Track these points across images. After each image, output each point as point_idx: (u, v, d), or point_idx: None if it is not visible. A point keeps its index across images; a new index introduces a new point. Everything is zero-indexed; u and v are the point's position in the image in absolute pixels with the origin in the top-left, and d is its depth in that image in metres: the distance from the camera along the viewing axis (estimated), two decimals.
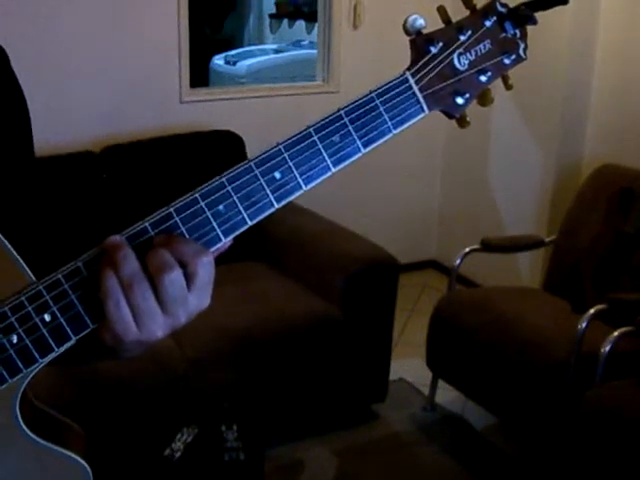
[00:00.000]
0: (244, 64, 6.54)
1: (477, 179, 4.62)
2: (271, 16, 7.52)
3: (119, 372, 2.85)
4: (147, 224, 0.90)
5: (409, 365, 3.79)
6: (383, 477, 3.14)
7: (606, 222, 3.40)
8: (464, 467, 3.18)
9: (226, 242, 0.93)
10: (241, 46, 7.32)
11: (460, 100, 1.04)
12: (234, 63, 6.60)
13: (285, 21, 7.39)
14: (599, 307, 2.90)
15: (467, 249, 3.50)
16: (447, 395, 3.55)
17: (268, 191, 0.93)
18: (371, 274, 3.31)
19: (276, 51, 6.84)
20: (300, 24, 7.19)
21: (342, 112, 0.98)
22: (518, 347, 3.04)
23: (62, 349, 0.91)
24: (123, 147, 3.64)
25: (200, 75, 5.64)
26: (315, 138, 0.96)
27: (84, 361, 1.05)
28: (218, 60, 6.77)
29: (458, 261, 3.48)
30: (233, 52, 6.89)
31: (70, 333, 0.90)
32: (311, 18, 6.60)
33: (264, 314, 3.19)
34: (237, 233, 0.94)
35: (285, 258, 3.61)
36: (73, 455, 0.98)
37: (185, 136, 3.80)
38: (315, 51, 4.69)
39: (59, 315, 0.89)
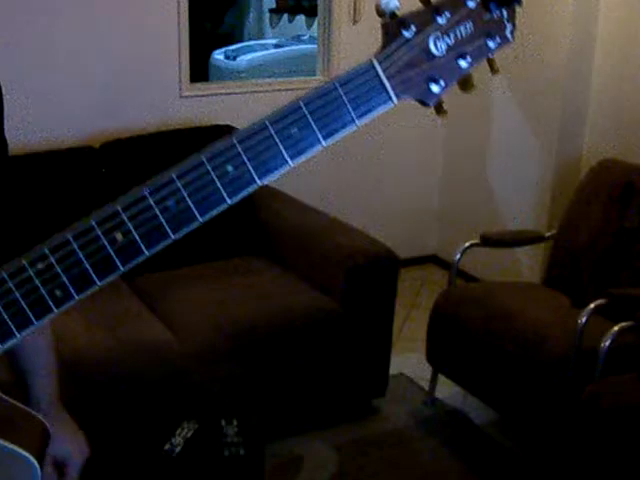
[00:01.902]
0: (244, 59, 6.52)
1: (477, 174, 4.62)
2: (271, 11, 7.51)
3: (119, 366, 2.85)
4: (93, 222, 0.88)
5: (409, 360, 3.79)
6: (383, 472, 3.14)
7: (606, 217, 3.40)
8: (464, 462, 3.18)
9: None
10: (241, 41, 7.30)
11: (435, 88, 0.96)
12: (234, 58, 6.59)
13: (285, 16, 7.38)
14: (599, 302, 2.90)
15: (467, 244, 3.50)
16: (447, 390, 3.55)
17: (220, 186, 0.89)
18: (371, 269, 3.31)
19: (276, 46, 6.82)
20: (300, 19, 7.17)
21: (301, 102, 0.91)
22: (518, 342, 3.04)
23: (7, 346, 0.89)
24: (123, 142, 3.64)
25: (200, 70, 5.63)
26: (271, 131, 0.91)
27: None
28: (218, 55, 6.76)
29: (458, 256, 3.48)
30: (233, 47, 6.87)
31: (14, 330, 0.88)
32: (311, 13, 6.59)
33: (264, 308, 3.19)
34: (188, 230, 0.90)
35: (285, 253, 3.61)
36: (21, 451, 0.96)
37: (185, 131, 3.80)
38: (315, 46, 4.69)
39: (3, 312, 0.87)
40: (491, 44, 0.98)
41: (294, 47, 6.68)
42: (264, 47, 6.88)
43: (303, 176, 4.38)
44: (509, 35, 0.99)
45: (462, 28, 0.95)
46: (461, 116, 4.61)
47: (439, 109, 0.99)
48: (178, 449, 2.60)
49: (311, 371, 3.27)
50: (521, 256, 4.31)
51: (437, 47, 0.94)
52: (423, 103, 0.97)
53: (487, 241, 3.52)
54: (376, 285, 3.33)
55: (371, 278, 3.31)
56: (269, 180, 0.91)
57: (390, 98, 0.93)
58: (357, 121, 0.93)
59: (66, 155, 3.49)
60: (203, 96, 4.12)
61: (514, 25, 0.99)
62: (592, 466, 2.68)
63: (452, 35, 0.95)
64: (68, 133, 3.72)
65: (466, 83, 0.98)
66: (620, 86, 3.89)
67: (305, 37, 6.81)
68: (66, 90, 3.77)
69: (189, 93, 4.05)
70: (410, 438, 3.34)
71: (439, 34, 0.94)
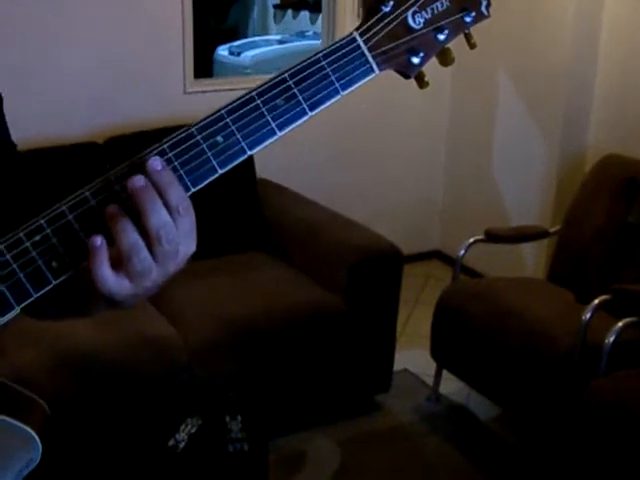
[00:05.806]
0: (248, 55, 6.52)
1: (481, 169, 4.61)
2: (275, 7, 7.51)
3: (122, 362, 2.86)
4: (88, 193, 0.93)
5: (413, 356, 3.78)
6: (387, 467, 3.14)
7: (610, 213, 3.39)
8: (468, 457, 3.19)
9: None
10: (245, 37, 7.29)
11: (415, 59, 1.00)
12: (238, 54, 6.58)
13: (289, 12, 7.37)
14: (603, 298, 2.90)
15: (471, 239, 3.50)
16: (451, 386, 3.55)
17: (210, 156, 0.92)
18: (375, 265, 3.31)
19: (280, 42, 6.81)
20: (304, 15, 7.17)
21: (287, 74, 0.95)
22: (522, 337, 3.04)
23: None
24: (127, 138, 3.64)
25: (204, 66, 5.62)
26: (258, 102, 0.93)
27: (44, 315, 1.05)
28: (222, 51, 6.75)
29: (462, 251, 3.47)
30: (237, 43, 6.87)
31: (31, 290, 0.89)
32: (315, 9, 6.59)
33: (267, 304, 3.19)
34: None
35: (288, 248, 3.61)
36: (25, 427, 0.98)
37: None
38: (319, 42, 4.68)
39: (19, 272, 0.89)
40: (467, 19, 1.02)
41: (298, 43, 6.68)
42: (268, 43, 6.88)
43: (307, 172, 4.39)
44: (484, 10, 1.03)
45: (439, 3, 1.00)
46: (465, 112, 4.60)
47: (420, 81, 1.03)
48: (182, 445, 2.61)
49: (315, 367, 3.27)
50: (525, 252, 4.31)
51: (415, 21, 1.00)
52: (404, 75, 1.02)
53: (491, 237, 3.52)
54: (380, 281, 3.33)
55: (375, 274, 3.31)
56: (259, 150, 0.94)
57: (372, 69, 0.98)
58: (342, 91, 0.97)
59: (70, 151, 3.49)
60: (207, 92, 4.12)
61: (489, 0, 1.04)
62: (596, 462, 2.68)
63: (429, 10, 1.00)
64: (72, 129, 3.72)
65: (445, 56, 1.03)
66: (624, 81, 3.88)
67: (309, 33, 6.82)
68: (70, 86, 3.77)
69: (193, 89, 4.05)
70: (414, 434, 3.34)
71: (417, 8, 0.99)
